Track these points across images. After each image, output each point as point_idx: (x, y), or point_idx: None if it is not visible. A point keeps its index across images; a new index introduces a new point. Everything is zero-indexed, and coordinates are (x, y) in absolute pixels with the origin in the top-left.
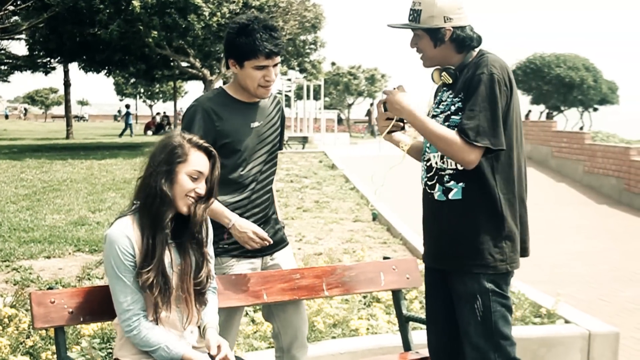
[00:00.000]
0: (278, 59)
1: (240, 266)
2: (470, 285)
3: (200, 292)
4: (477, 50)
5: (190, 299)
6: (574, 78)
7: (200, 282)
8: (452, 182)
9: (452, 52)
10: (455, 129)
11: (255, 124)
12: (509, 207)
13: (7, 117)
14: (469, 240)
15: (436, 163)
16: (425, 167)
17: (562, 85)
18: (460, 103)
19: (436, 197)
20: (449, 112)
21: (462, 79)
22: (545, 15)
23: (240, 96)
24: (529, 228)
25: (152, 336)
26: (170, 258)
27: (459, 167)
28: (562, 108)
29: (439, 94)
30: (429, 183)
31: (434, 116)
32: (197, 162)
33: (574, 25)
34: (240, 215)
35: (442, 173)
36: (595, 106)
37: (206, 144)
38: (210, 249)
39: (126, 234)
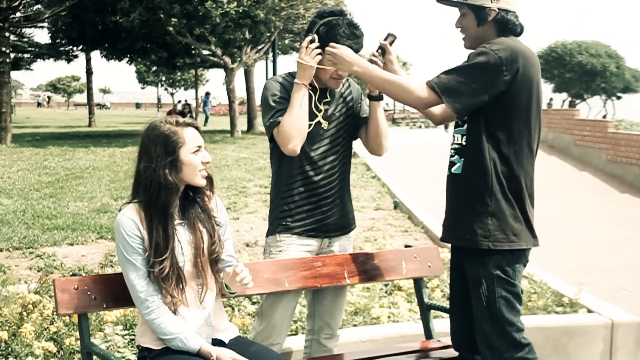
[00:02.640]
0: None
1: (298, 247)
2: (477, 270)
3: (215, 260)
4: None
5: (206, 273)
6: (595, 65)
7: (214, 251)
8: (456, 157)
9: (494, 34)
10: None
11: (323, 107)
12: (500, 185)
13: (39, 104)
14: (459, 213)
15: (454, 141)
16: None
17: (584, 73)
18: None
19: (449, 172)
20: None
21: None
22: (567, 1)
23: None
24: (533, 217)
25: (169, 325)
26: (181, 239)
27: (464, 142)
28: (585, 96)
29: None
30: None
31: None
32: (193, 138)
33: (596, 12)
34: (302, 192)
35: (452, 147)
36: (619, 94)
37: (189, 120)
38: (222, 215)
39: (131, 218)
